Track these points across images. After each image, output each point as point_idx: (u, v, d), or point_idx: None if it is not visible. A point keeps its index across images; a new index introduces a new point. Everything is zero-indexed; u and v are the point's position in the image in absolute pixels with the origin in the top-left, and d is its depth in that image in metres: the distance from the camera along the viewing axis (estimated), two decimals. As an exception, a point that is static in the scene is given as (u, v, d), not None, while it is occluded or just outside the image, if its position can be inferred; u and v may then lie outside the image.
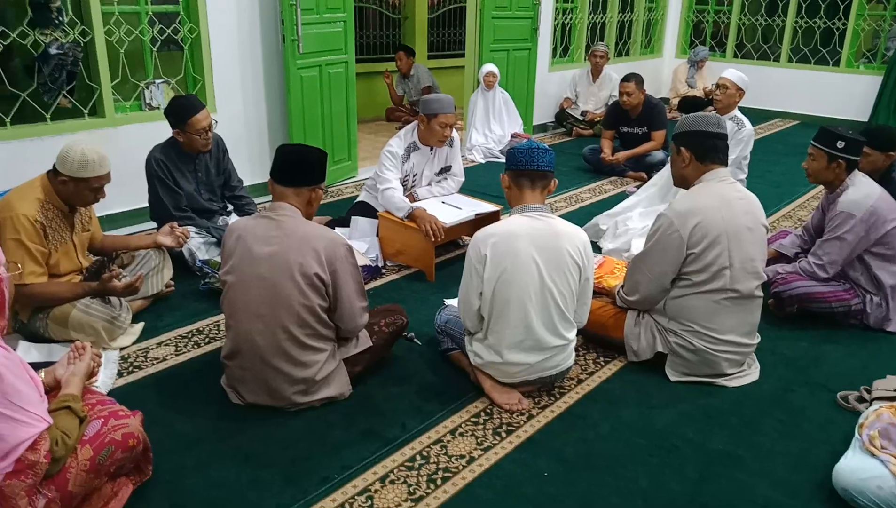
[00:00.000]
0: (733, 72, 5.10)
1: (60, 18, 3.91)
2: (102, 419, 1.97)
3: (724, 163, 2.82)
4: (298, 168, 2.49)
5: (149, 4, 4.33)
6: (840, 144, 3.19)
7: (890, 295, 3.21)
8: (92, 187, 2.85)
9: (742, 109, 5.02)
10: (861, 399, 2.68)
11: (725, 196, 2.74)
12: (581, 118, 7.43)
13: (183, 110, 3.57)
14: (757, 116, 8.38)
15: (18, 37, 3.80)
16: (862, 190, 3.18)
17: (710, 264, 2.68)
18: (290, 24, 4.68)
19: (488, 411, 2.59)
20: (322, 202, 5.00)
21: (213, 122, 3.69)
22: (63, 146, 2.80)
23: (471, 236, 2.75)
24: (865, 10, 8.01)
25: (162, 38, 4.43)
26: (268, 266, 2.39)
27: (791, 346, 3.11)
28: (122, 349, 2.94)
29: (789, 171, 6.15)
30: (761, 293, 2.81)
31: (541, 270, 2.48)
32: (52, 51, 3.91)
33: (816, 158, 3.28)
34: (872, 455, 2.17)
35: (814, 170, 3.30)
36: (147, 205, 3.78)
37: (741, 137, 4.99)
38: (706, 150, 2.78)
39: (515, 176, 2.61)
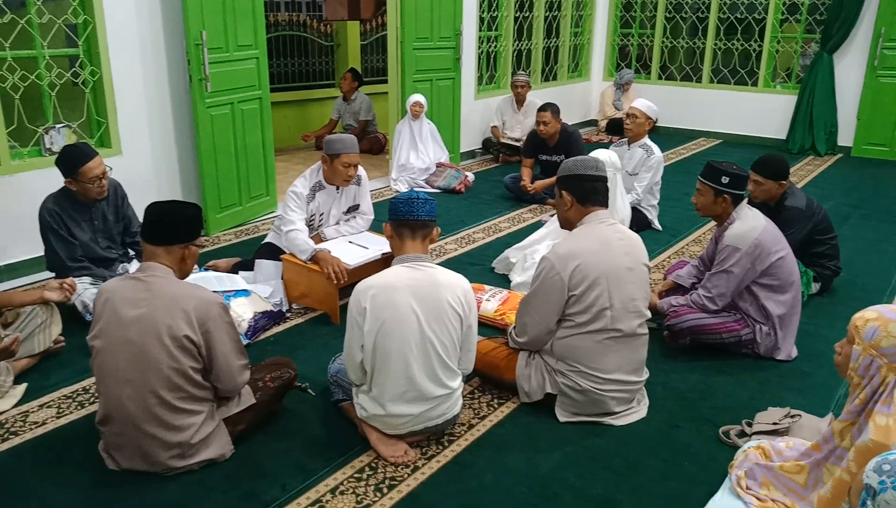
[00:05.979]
0: (643, 102, 5.24)
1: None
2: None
3: (605, 204, 2.87)
4: (167, 226, 2.44)
5: (45, 49, 4.24)
6: (725, 180, 3.27)
7: (778, 324, 3.29)
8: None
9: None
10: (742, 434, 2.73)
11: (605, 238, 2.78)
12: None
13: (74, 159, 3.49)
14: (681, 137, 8.60)
15: None
16: (747, 223, 3.27)
17: (591, 306, 2.71)
18: (197, 64, 4.63)
19: (373, 465, 2.56)
20: (238, 240, 4.96)
21: (108, 169, 3.62)
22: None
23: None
24: (779, 32, 8.31)
25: (61, 81, 4.34)
26: (136, 330, 2.34)
27: (682, 379, 3.17)
28: (1, 413, 2.84)
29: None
30: (645, 331, 2.86)
31: (420, 321, 2.48)
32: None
33: (703, 193, 3.36)
34: (739, 496, 2.21)
35: (702, 205, 3.39)
36: (46, 254, 3.67)
37: (651, 163, 5.11)
38: (586, 193, 2.83)
39: (397, 226, 2.62)
